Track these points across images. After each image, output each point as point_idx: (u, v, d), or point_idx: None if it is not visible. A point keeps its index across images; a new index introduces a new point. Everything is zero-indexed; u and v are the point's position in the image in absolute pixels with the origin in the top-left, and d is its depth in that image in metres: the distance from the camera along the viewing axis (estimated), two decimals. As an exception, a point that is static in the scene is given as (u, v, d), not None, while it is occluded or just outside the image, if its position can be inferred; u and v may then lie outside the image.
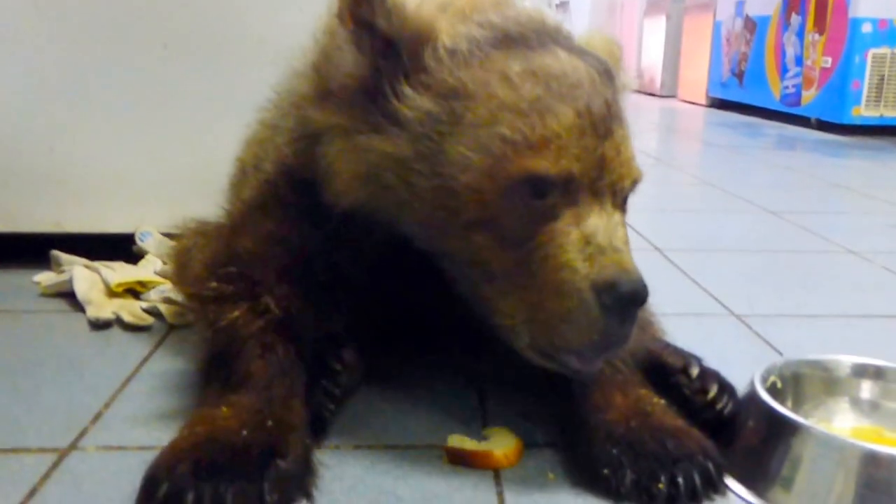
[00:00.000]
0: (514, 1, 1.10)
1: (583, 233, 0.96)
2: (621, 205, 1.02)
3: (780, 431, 1.03)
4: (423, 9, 1.00)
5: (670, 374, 1.17)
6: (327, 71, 1.05)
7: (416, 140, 0.98)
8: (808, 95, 5.86)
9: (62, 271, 1.73)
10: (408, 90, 0.99)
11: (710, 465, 1.00)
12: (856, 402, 1.20)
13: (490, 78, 0.97)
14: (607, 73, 1.03)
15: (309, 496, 0.97)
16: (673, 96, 9.05)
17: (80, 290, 1.63)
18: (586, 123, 0.96)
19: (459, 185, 0.96)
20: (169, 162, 1.83)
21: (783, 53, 6.30)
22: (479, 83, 0.97)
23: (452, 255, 1.04)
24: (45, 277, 1.75)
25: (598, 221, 0.97)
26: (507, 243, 0.97)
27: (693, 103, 8.32)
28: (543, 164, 0.94)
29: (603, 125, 0.98)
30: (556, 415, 1.17)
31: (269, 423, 0.99)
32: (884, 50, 5.29)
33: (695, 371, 1.15)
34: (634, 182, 1.03)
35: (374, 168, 1.02)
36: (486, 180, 0.95)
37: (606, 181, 0.98)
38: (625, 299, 0.93)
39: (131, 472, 0.99)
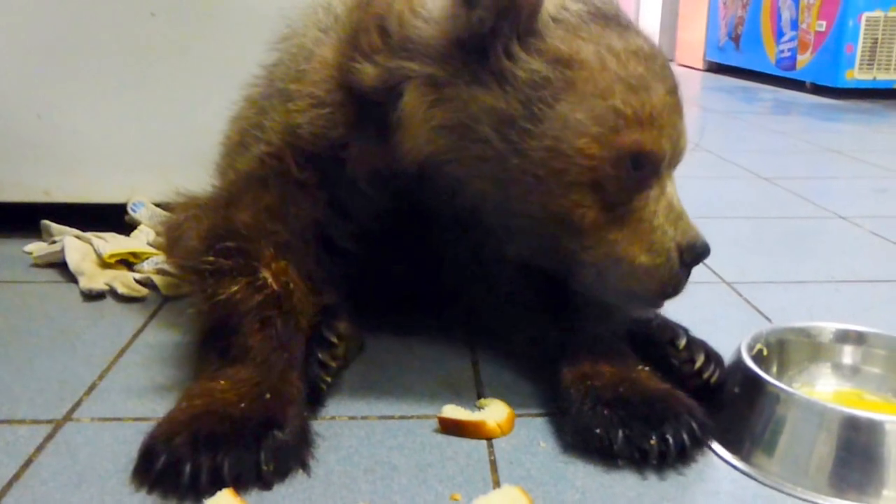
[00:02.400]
0: None
1: (667, 201, 1.09)
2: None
3: (763, 397, 1.06)
4: None
5: (658, 345, 1.20)
6: (402, 23, 1.07)
7: (528, 101, 1.02)
8: (803, 59, 5.84)
9: (53, 241, 1.72)
10: (521, 52, 1.03)
11: (696, 425, 1.03)
12: (838, 367, 1.23)
13: (601, 51, 1.03)
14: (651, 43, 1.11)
15: (305, 466, 0.98)
16: (671, 60, 8.97)
17: (73, 260, 1.61)
18: (675, 103, 1.08)
19: (571, 149, 1.02)
20: (160, 131, 1.81)
21: (779, 17, 6.26)
22: (593, 55, 1.02)
23: (531, 209, 1.08)
24: (36, 248, 1.74)
25: (671, 190, 1.10)
26: (607, 205, 1.05)
27: (691, 67, 8.27)
28: (649, 141, 1.04)
29: (682, 105, 1.11)
30: (548, 385, 1.19)
31: (267, 395, 1.01)
32: (877, 13, 5.26)
33: (682, 342, 1.18)
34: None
35: (470, 119, 1.04)
36: (598, 147, 1.02)
37: (679, 155, 1.12)
38: (699, 258, 1.09)
39: (127, 443, 1.01)
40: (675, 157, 1.11)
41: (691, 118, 4.51)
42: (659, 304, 1.15)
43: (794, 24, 5.97)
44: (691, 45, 8.25)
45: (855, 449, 0.98)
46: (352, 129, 1.14)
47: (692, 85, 6.83)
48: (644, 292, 1.10)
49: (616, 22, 1.07)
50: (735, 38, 7.12)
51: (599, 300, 1.17)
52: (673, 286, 1.10)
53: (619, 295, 1.12)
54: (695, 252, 1.09)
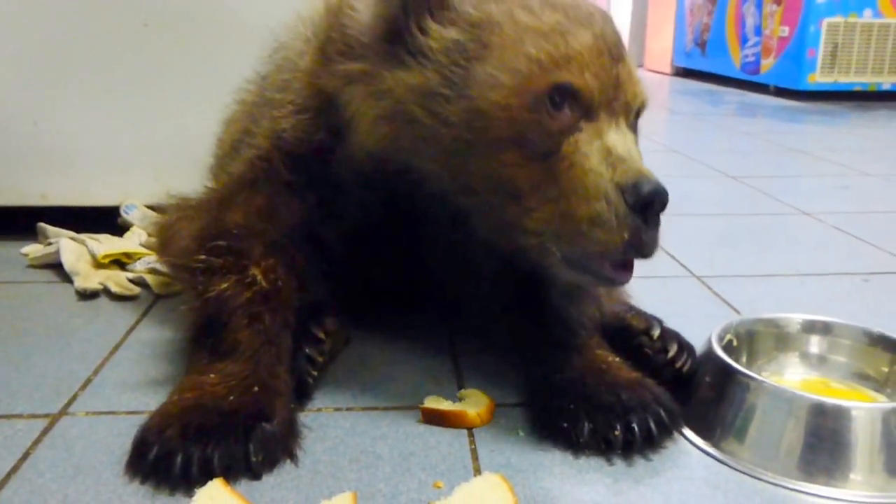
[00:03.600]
0: None
1: (604, 145, 1.00)
2: (633, 126, 1.08)
3: (734, 385, 1.09)
4: None
5: (633, 336, 1.22)
6: (342, 29, 1.09)
7: (443, 68, 1.02)
8: (767, 63, 5.93)
9: (49, 243, 1.74)
10: (433, 25, 1.03)
11: (663, 413, 1.05)
12: (805, 356, 1.26)
13: (512, 8, 1.03)
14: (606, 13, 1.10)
15: (293, 457, 1.00)
16: (640, 66, 9.08)
17: (68, 261, 1.64)
18: (602, 46, 1.03)
19: (488, 104, 1.00)
20: (152, 136, 1.84)
21: (743, 24, 6.36)
22: (502, 13, 1.02)
23: (474, 182, 1.06)
24: (32, 249, 1.77)
25: (615, 136, 1.02)
26: (534, 157, 1.00)
27: (659, 72, 8.36)
28: (568, 76, 0.99)
29: (616, 50, 1.04)
30: (523, 377, 1.21)
31: (256, 388, 1.03)
32: (837, 19, 5.36)
33: (656, 332, 1.20)
34: (643, 104, 1.09)
35: (399, 104, 1.05)
36: (514, 97, 0.99)
37: (621, 101, 1.04)
38: (648, 198, 0.96)
39: (121, 436, 1.03)
40: (621, 104, 1.04)
41: (659, 121, 4.55)
42: (622, 265, 1.02)
43: (758, 30, 6.07)
44: (659, 52, 8.35)
45: (823, 434, 1.01)
46: (332, 133, 1.16)
47: (660, 89, 6.91)
48: (597, 248, 0.98)
49: None
50: (701, 44, 7.22)
51: (566, 283, 1.11)
52: (630, 233, 0.97)
53: (573, 262, 1.02)
54: (639, 192, 0.96)
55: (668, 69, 8.12)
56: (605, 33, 1.04)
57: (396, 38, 1.05)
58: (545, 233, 1.02)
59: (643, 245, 0.98)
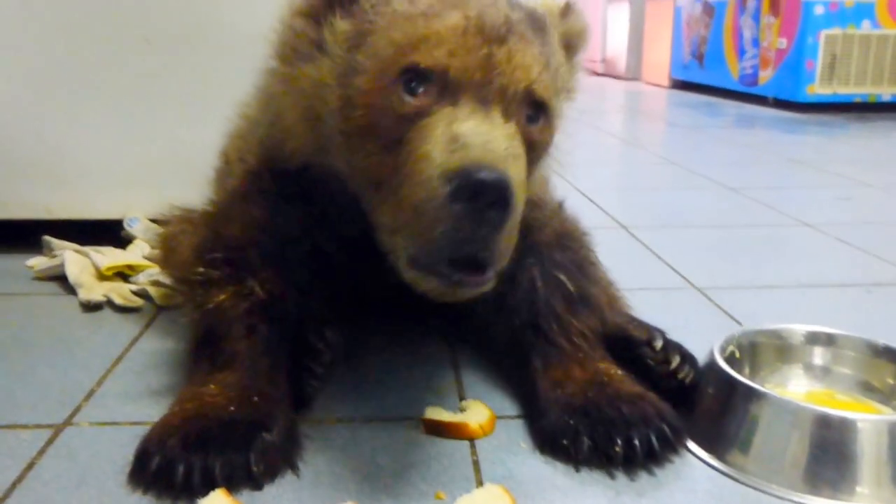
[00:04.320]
0: None
1: (454, 132, 0.90)
2: (518, 116, 0.98)
3: (737, 397, 1.08)
4: None
5: (635, 347, 1.21)
6: (283, 40, 1.10)
7: (334, 59, 1.02)
8: (765, 75, 5.95)
9: (54, 256, 1.76)
10: (338, 20, 1.03)
11: (666, 427, 1.04)
12: (809, 368, 1.25)
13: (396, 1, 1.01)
14: (526, 11, 1.04)
15: (293, 467, 1.00)
16: (637, 79, 9.11)
17: (72, 273, 1.66)
18: (472, 25, 0.96)
19: (355, 91, 0.99)
20: (155, 150, 1.87)
21: (740, 36, 6.38)
22: (387, 4, 1.01)
23: (358, 176, 1.04)
24: (37, 262, 1.79)
25: (475, 125, 0.91)
26: (388, 145, 0.96)
27: (656, 85, 8.38)
28: (420, 56, 0.94)
29: (495, 31, 0.97)
30: (522, 392, 1.21)
31: (255, 398, 1.03)
32: (835, 31, 5.37)
33: (658, 343, 1.19)
34: (530, 87, 0.98)
35: (308, 100, 1.06)
36: (373, 82, 0.97)
37: (495, 85, 0.95)
38: (472, 187, 0.84)
39: (124, 446, 1.03)
40: (490, 88, 0.95)
41: (657, 133, 4.57)
42: (467, 264, 0.89)
43: (756, 43, 6.09)
44: (657, 65, 8.38)
45: (828, 447, 1.00)
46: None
47: (658, 101, 6.93)
48: (420, 243, 0.90)
49: None
50: (699, 57, 7.25)
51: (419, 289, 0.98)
52: (453, 225, 0.85)
53: (414, 260, 0.92)
54: (463, 177, 0.84)
55: (665, 82, 8.15)
56: (482, 14, 0.97)
57: (313, 31, 1.05)
58: (391, 228, 0.96)
59: (473, 240, 0.87)
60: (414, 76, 0.94)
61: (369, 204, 1.03)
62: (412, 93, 0.94)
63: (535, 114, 1.01)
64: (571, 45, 1.18)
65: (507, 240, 0.91)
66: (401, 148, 0.94)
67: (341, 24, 1.03)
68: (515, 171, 0.91)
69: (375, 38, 0.99)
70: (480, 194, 0.84)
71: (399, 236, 0.94)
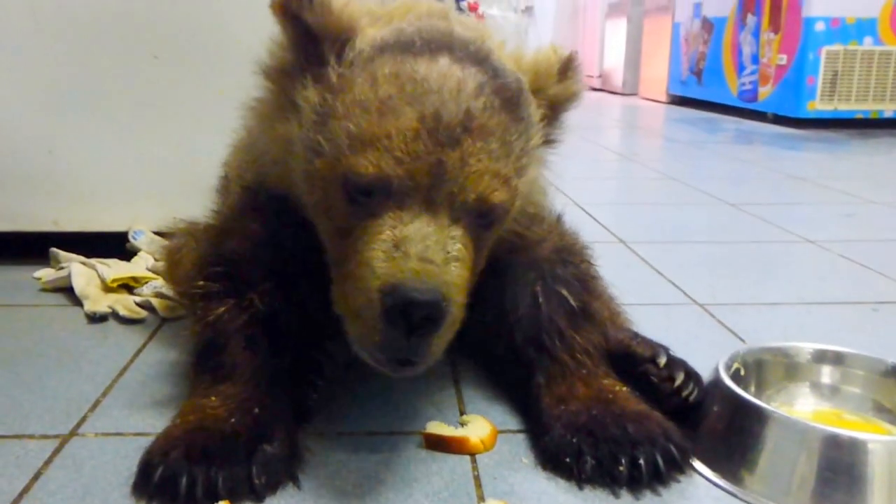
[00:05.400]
0: (456, 15, 1.12)
1: (396, 236, 0.93)
2: (469, 222, 0.98)
3: (743, 416, 1.06)
4: (348, 8, 1.03)
5: (639, 363, 1.19)
6: (265, 64, 1.10)
7: (303, 127, 1.02)
8: (765, 91, 5.96)
9: (61, 268, 1.80)
10: (308, 82, 1.02)
11: (672, 447, 1.02)
12: (816, 387, 1.23)
13: (361, 77, 0.98)
14: (498, 88, 1.00)
15: (295, 480, 1.00)
16: (634, 94, 9.15)
17: (78, 285, 1.69)
18: (426, 129, 0.94)
19: (314, 170, 1.00)
20: (160, 164, 1.90)
21: (740, 52, 6.40)
22: (350, 81, 0.98)
23: (323, 241, 1.06)
24: (44, 273, 1.82)
25: (417, 229, 0.93)
26: (339, 233, 0.99)
27: (654, 101, 8.41)
28: (362, 164, 0.93)
29: (450, 134, 0.94)
30: (524, 407, 1.19)
31: (256, 410, 1.04)
32: (836, 47, 5.39)
33: (662, 360, 1.18)
34: (481, 199, 0.97)
35: (280, 151, 1.07)
36: (326, 168, 0.98)
37: (444, 192, 0.95)
38: (405, 306, 0.89)
39: (129, 457, 1.04)
40: (438, 193, 0.94)
41: (655, 148, 4.58)
42: (389, 363, 0.95)
43: (755, 59, 6.10)
44: (654, 80, 8.42)
45: (838, 468, 0.97)
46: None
47: (656, 117, 6.94)
48: (356, 342, 0.96)
49: (412, 50, 0.99)
50: (697, 73, 7.27)
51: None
52: (383, 339, 0.91)
53: (359, 346, 0.98)
54: (395, 296, 0.89)
55: (662, 97, 8.18)
56: (439, 114, 0.94)
57: (289, 87, 1.05)
58: (340, 308, 1.00)
59: (403, 351, 0.92)
60: (362, 179, 0.94)
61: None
62: (354, 200, 0.96)
63: (486, 217, 1.00)
64: (561, 106, 1.14)
65: (441, 338, 0.95)
66: (349, 239, 0.97)
67: (311, 93, 1.01)
68: (455, 275, 0.94)
69: (335, 122, 0.97)
70: (412, 314, 0.89)
71: (345, 319, 0.99)
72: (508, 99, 1.00)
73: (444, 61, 0.98)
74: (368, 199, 0.94)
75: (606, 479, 1.00)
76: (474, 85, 0.97)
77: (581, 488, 1.01)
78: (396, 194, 0.94)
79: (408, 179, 0.93)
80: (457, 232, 0.96)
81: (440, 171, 0.94)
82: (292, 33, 1.03)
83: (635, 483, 1.00)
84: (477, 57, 1.01)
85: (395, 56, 0.98)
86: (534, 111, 1.07)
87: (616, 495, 0.99)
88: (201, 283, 1.17)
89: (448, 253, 0.94)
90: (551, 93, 1.11)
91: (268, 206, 1.19)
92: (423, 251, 0.91)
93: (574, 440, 1.04)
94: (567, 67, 1.12)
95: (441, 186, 0.94)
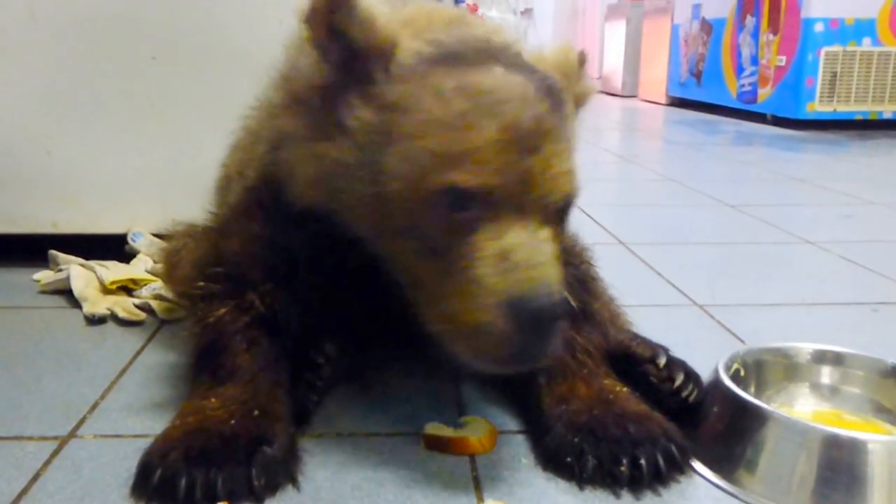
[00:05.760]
0: (473, 19, 1.12)
1: (501, 248, 0.95)
2: (553, 220, 1.01)
3: (743, 416, 1.06)
4: (389, 23, 1.02)
5: (638, 364, 1.19)
6: (294, 79, 1.07)
7: (360, 149, 1.00)
8: (764, 93, 5.96)
9: (59, 270, 1.80)
10: (357, 101, 1.00)
11: (673, 447, 1.02)
12: (816, 387, 1.23)
13: (423, 93, 0.97)
14: (548, 89, 1.02)
15: (294, 481, 1.00)
16: (634, 96, 9.15)
17: (77, 287, 1.69)
18: (510, 138, 0.96)
19: (390, 193, 0.98)
20: (159, 166, 1.90)
21: (739, 54, 6.40)
22: (412, 98, 0.98)
23: (391, 259, 1.05)
24: (43, 276, 1.82)
25: (518, 237, 0.96)
26: (431, 253, 0.98)
27: (653, 102, 8.41)
28: (462, 177, 0.94)
29: (530, 140, 0.97)
30: (524, 407, 1.19)
31: (256, 412, 1.03)
32: (836, 48, 5.39)
33: (662, 360, 1.18)
34: (566, 197, 1.02)
35: (327, 173, 1.04)
36: (412, 190, 0.96)
37: (533, 196, 0.97)
38: (535, 315, 0.92)
39: (127, 459, 1.04)
40: (528, 199, 0.98)
41: (654, 150, 4.59)
42: (501, 370, 1.02)
43: (755, 60, 6.10)
44: (653, 82, 8.43)
45: (838, 468, 0.97)
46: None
47: (655, 119, 6.95)
48: (477, 356, 0.97)
49: (464, 61, 1.00)
50: (696, 74, 7.27)
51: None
52: (512, 349, 0.94)
53: (468, 358, 0.99)
54: (524, 308, 0.92)
55: (662, 99, 8.18)
56: (517, 122, 0.96)
57: (330, 106, 1.03)
58: (438, 325, 1.00)
59: (528, 357, 0.96)
60: (458, 196, 0.95)
61: (406, 288, 1.05)
62: (456, 210, 0.95)
63: (563, 213, 1.05)
64: (581, 104, 1.17)
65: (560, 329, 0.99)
66: (449, 259, 0.97)
67: (364, 112, 1.00)
68: (557, 272, 0.97)
69: (407, 142, 0.97)
70: (542, 320, 0.92)
71: (450, 339, 0.99)
72: (558, 100, 1.03)
73: (498, 70, 0.99)
74: (464, 214, 0.95)
75: (607, 479, 1.00)
76: (533, 90, 0.99)
77: (581, 489, 1.01)
78: (493, 206, 0.96)
79: (504, 190, 0.95)
80: (546, 232, 0.99)
81: (528, 177, 0.96)
82: (335, 50, 1.01)
83: (636, 483, 1.00)
84: (518, 62, 1.03)
85: (451, 70, 0.98)
86: (571, 109, 1.10)
87: (616, 496, 0.99)
88: (202, 283, 1.17)
89: (547, 254, 0.97)
90: (576, 91, 1.13)
91: (272, 204, 1.18)
92: (529, 258, 0.95)
93: (576, 440, 1.04)
94: (582, 64, 1.16)
95: (530, 192, 0.97)
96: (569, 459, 1.02)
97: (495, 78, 0.98)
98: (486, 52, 1.01)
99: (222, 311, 1.14)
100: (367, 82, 1.00)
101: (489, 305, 0.93)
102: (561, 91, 1.05)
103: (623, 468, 1.00)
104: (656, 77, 8.32)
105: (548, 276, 0.95)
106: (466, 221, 0.96)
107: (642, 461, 1.00)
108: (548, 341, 0.95)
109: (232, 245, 1.20)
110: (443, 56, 1.00)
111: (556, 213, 1.01)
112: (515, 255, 0.95)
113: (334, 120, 1.02)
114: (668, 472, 1.01)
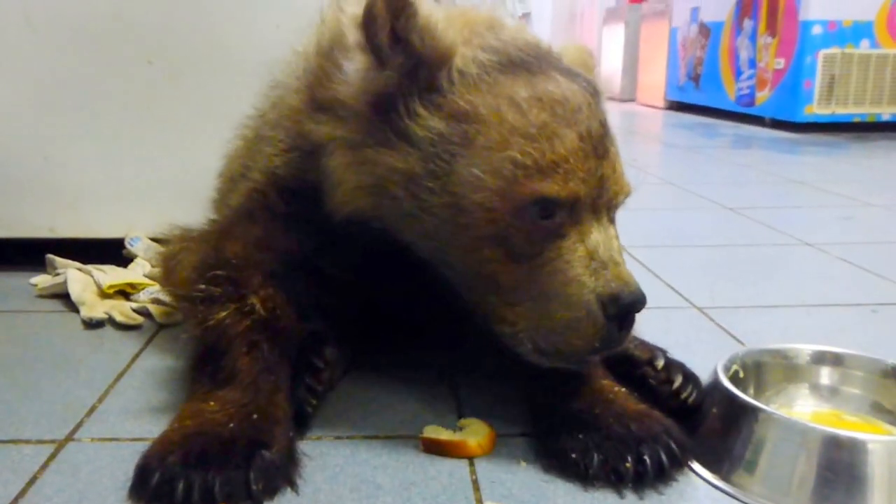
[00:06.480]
0: (504, 22, 1.13)
1: (587, 249, 1.02)
2: (613, 218, 1.08)
3: (742, 417, 1.05)
4: (449, 31, 1.03)
5: (637, 366, 1.19)
6: (329, 83, 1.06)
7: (428, 158, 1.01)
8: (762, 96, 5.96)
9: (57, 274, 1.80)
10: (421, 109, 1.02)
11: (674, 444, 1.03)
12: (815, 388, 1.23)
13: (500, 103, 1.00)
14: (597, 93, 1.07)
15: (293, 485, 1.00)
16: (632, 100, 9.15)
17: (74, 291, 1.69)
18: (588, 146, 1.02)
19: (471, 204, 1.00)
20: (156, 171, 1.90)
21: (737, 57, 6.41)
22: (489, 107, 1.00)
23: (456, 266, 1.07)
24: (41, 280, 1.82)
25: (598, 237, 1.03)
26: (516, 258, 1.02)
27: (652, 106, 8.42)
28: (553, 188, 0.99)
29: (601, 146, 1.04)
30: (526, 406, 1.19)
31: (255, 416, 1.03)
32: (834, 50, 5.40)
33: (660, 363, 1.18)
34: (626, 196, 1.09)
35: (381, 180, 1.05)
36: (499, 200, 0.99)
37: (605, 199, 1.04)
38: (626, 309, 1.01)
39: (125, 462, 1.04)
40: (604, 202, 1.05)
41: (653, 153, 4.58)
42: (588, 361, 1.09)
43: (753, 63, 6.11)
44: (652, 86, 8.43)
45: (838, 468, 0.97)
46: (321, 173, 1.15)
47: (654, 123, 6.95)
48: (568, 349, 1.04)
49: (526, 69, 1.04)
50: (695, 78, 7.27)
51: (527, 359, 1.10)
52: (602, 341, 1.02)
53: (545, 353, 1.06)
54: (619, 303, 1.01)
55: (660, 103, 8.18)
56: (590, 130, 1.02)
57: (385, 113, 1.03)
58: (520, 325, 1.05)
59: (614, 344, 1.04)
60: (547, 205, 1.00)
61: (469, 292, 1.10)
62: (543, 217, 1.00)
63: (618, 210, 1.11)
64: None
65: None
66: (536, 263, 1.02)
67: (431, 121, 1.01)
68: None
69: (489, 153, 0.99)
70: (629, 312, 1.02)
71: (525, 332, 1.05)
72: (601, 101, 1.09)
73: (560, 77, 1.05)
74: (552, 221, 1.00)
75: (612, 476, 1.00)
76: (591, 96, 1.06)
77: (581, 488, 1.01)
78: (576, 211, 1.02)
79: (587, 196, 1.01)
80: (613, 229, 1.07)
81: (602, 181, 1.03)
82: (397, 57, 1.01)
83: (639, 480, 1.00)
84: (565, 67, 1.08)
85: (517, 78, 1.03)
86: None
87: (620, 495, 0.99)
88: (202, 286, 1.17)
89: (619, 249, 1.06)
90: None
91: (279, 206, 1.19)
92: (610, 256, 1.03)
93: (580, 436, 1.04)
94: (593, 60, 1.22)
95: (604, 195, 1.04)
96: (574, 455, 1.02)
97: (561, 86, 1.03)
98: (543, 59, 1.06)
99: (223, 314, 1.14)
100: (430, 90, 1.01)
101: (588, 302, 1.00)
102: (601, 92, 1.10)
103: (628, 464, 1.00)
104: (654, 81, 8.32)
105: (627, 271, 1.03)
106: (554, 227, 1.01)
107: (646, 457, 1.00)
108: (627, 331, 1.04)
109: (234, 248, 1.20)
110: (505, 64, 1.03)
111: (615, 212, 1.09)
112: (599, 255, 1.02)
113: (393, 127, 1.03)
114: (670, 468, 1.01)
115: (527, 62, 1.05)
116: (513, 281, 1.03)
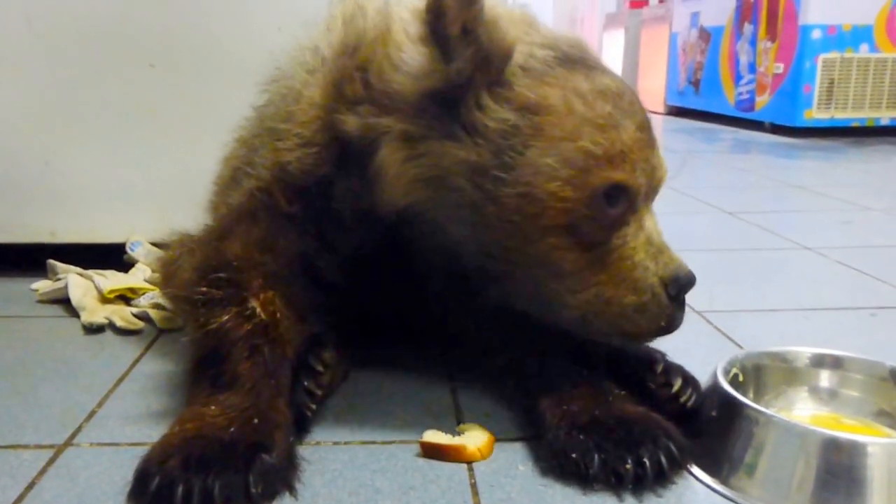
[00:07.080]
0: (538, 21, 1.14)
1: (645, 236, 1.08)
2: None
3: (742, 420, 1.05)
4: (510, 26, 1.05)
5: (636, 369, 1.19)
6: (382, 76, 1.06)
7: (498, 150, 1.02)
8: (762, 100, 5.97)
9: (58, 279, 1.80)
10: (490, 102, 1.02)
11: (673, 447, 1.03)
12: (815, 391, 1.22)
13: (567, 95, 1.03)
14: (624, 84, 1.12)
15: (292, 489, 1.00)
16: (634, 101, 9.17)
17: (75, 296, 1.69)
18: (645, 136, 1.07)
19: (544, 193, 1.01)
20: (157, 175, 1.90)
21: (737, 61, 6.41)
22: (559, 99, 1.02)
23: (508, 254, 1.08)
24: (41, 285, 1.83)
25: (650, 224, 1.10)
26: (583, 246, 1.05)
27: (652, 111, 8.37)
28: (623, 176, 1.03)
29: (652, 136, 1.10)
30: (525, 410, 1.19)
31: (255, 420, 1.03)
32: (833, 55, 5.40)
33: (659, 366, 1.18)
34: (665, 183, 1.15)
35: (444, 172, 1.05)
36: (571, 189, 1.01)
37: (654, 186, 1.10)
38: (685, 289, 1.09)
39: (124, 467, 1.03)
40: (652, 190, 1.11)
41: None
42: (651, 340, 1.14)
43: (752, 68, 6.12)
44: (652, 91, 8.43)
45: (838, 471, 0.97)
46: (338, 168, 1.15)
47: (653, 127, 6.94)
48: (636, 330, 1.09)
49: (583, 64, 1.08)
50: (695, 83, 7.28)
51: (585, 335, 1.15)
52: (666, 321, 1.09)
53: (609, 335, 1.12)
54: (679, 284, 1.08)
55: (660, 108, 8.19)
56: (644, 122, 1.08)
57: (449, 107, 1.04)
58: (585, 308, 1.08)
59: (676, 325, 1.10)
60: (616, 192, 1.04)
61: (524, 284, 1.11)
62: (612, 205, 1.04)
63: None
64: None
65: None
66: (602, 250, 1.06)
67: (501, 113, 1.03)
68: None
69: (561, 143, 1.01)
70: (685, 291, 1.10)
71: (590, 315, 1.09)
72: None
73: (608, 72, 1.10)
74: (618, 209, 1.05)
75: (612, 478, 1.00)
76: (634, 89, 1.12)
77: (579, 492, 1.01)
78: (636, 198, 1.07)
79: (646, 184, 1.08)
80: (655, 215, 1.14)
81: (654, 171, 1.10)
82: (468, 51, 1.01)
83: (639, 483, 1.00)
84: (603, 63, 1.14)
85: (576, 73, 1.06)
86: None
87: (619, 498, 0.99)
88: (203, 289, 1.16)
89: (662, 233, 1.13)
90: None
91: (284, 205, 1.18)
92: (661, 241, 1.11)
93: (581, 437, 1.04)
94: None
95: (654, 183, 1.11)
96: (574, 455, 1.02)
97: (615, 80, 1.09)
98: (591, 56, 1.11)
99: (224, 318, 1.13)
100: (495, 84, 1.03)
101: (653, 285, 1.07)
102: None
103: (628, 466, 1.00)
104: (655, 86, 8.33)
105: (676, 255, 1.11)
106: (620, 215, 1.06)
107: (645, 460, 1.00)
108: (684, 309, 1.11)
109: (235, 249, 1.19)
110: (562, 59, 1.06)
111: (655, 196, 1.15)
112: (654, 241, 1.09)
113: (459, 120, 1.03)
114: (669, 471, 1.01)
115: (582, 58, 1.08)
116: (578, 267, 1.06)
